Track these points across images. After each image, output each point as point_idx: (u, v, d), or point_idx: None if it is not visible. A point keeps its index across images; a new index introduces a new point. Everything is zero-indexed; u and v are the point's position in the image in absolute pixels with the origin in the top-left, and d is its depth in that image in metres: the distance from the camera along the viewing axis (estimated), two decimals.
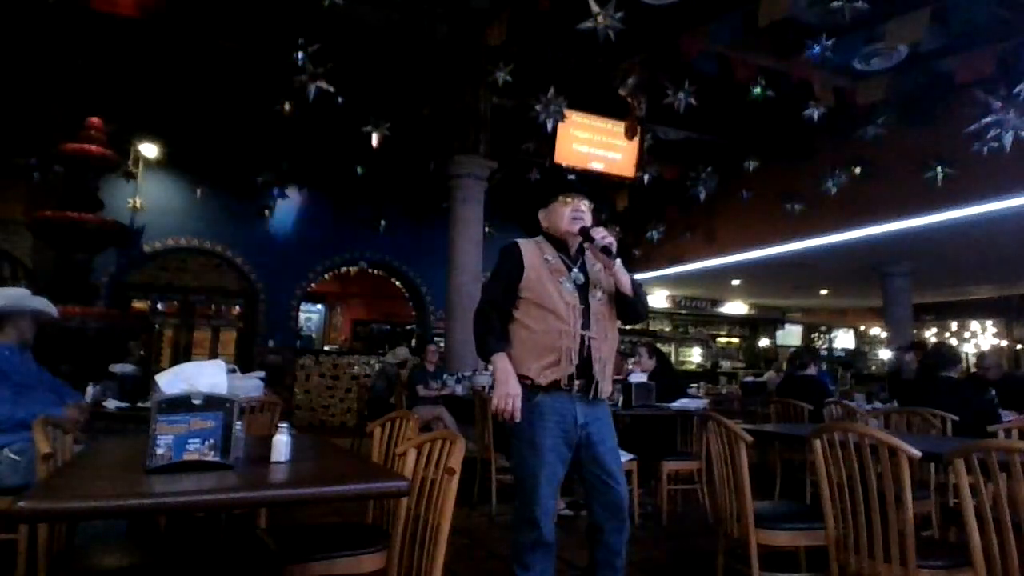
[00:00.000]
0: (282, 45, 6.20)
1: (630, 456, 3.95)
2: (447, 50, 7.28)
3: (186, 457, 1.57)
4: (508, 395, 2.25)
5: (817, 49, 5.86)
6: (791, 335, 18.74)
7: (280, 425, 1.81)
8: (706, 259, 11.57)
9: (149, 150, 9.32)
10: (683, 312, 16.74)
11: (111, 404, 3.83)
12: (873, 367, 17.58)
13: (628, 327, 2.47)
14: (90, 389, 3.69)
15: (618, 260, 2.36)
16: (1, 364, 2.87)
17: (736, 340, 18.68)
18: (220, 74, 7.28)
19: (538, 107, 6.95)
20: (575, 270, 2.40)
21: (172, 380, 1.73)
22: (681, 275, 12.76)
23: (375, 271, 11.89)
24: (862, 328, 19.74)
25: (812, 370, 5.69)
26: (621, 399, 4.69)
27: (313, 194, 10.27)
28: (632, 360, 6.02)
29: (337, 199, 10.43)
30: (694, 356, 17.50)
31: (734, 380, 13.78)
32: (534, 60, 7.05)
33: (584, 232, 2.36)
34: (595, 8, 5.22)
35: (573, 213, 2.41)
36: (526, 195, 9.13)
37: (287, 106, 6.86)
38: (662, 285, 14.45)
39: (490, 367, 2.44)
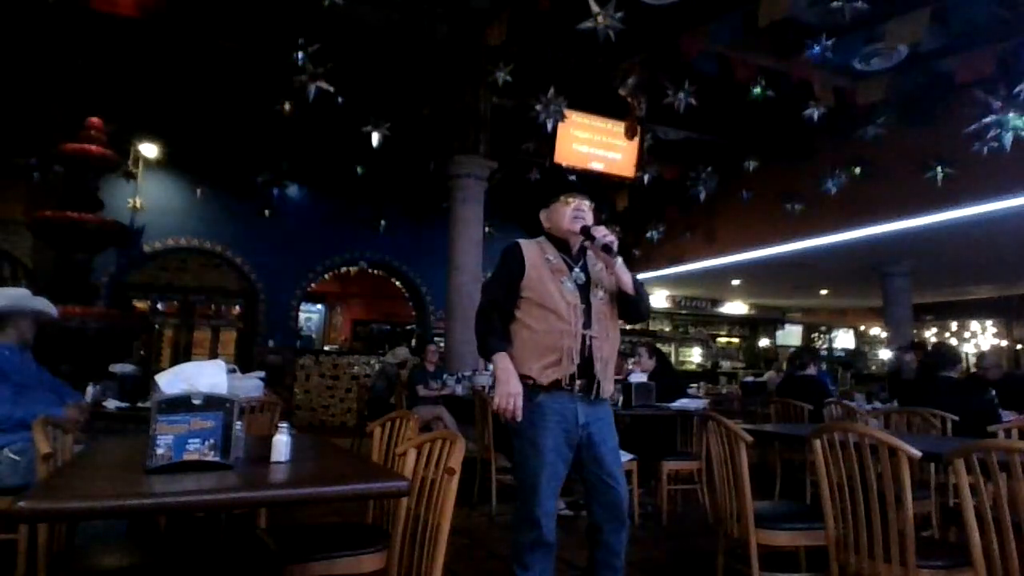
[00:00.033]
0: (282, 45, 6.20)
1: (630, 456, 3.96)
2: (447, 50, 7.28)
3: (186, 457, 1.57)
4: (509, 394, 2.26)
5: (817, 49, 5.86)
6: (791, 335, 18.74)
7: (280, 425, 1.81)
8: (706, 259, 11.56)
9: (149, 150, 9.33)
10: (683, 312, 16.74)
11: (111, 404, 3.83)
12: (873, 367, 17.58)
13: (628, 327, 2.48)
14: (90, 389, 3.69)
15: (619, 259, 2.36)
16: (1, 364, 2.87)
17: (736, 340, 18.69)
18: (220, 74, 7.28)
19: (538, 107, 6.95)
20: (576, 270, 2.41)
21: (172, 380, 1.73)
22: (681, 275, 12.76)
23: (375, 271, 11.89)
24: (862, 328, 19.75)
25: (812, 370, 5.69)
26: (621, 399, 4.69)
27: (313, 194, 10.27)
28: (632, 360, 6.02)
29: (337, 199, 10.44)
30: (694, 356, 17.50)
31: (734, 380, 13.79)
32: (534, 60, 7.05)
33: (585, 231, 2.36)
34: (595, 8, 5.22)
35: (574, 212, 2.42)
36: (526, 195, 9.18)
37: (287, 106, 6.86)
38: (662, 285, 14.45)
39: (491, 366, 2.44)
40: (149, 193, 9.62)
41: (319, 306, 14.84)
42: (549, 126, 7.21)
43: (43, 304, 3.20)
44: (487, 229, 8.57)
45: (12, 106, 7.66)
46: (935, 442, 2.98)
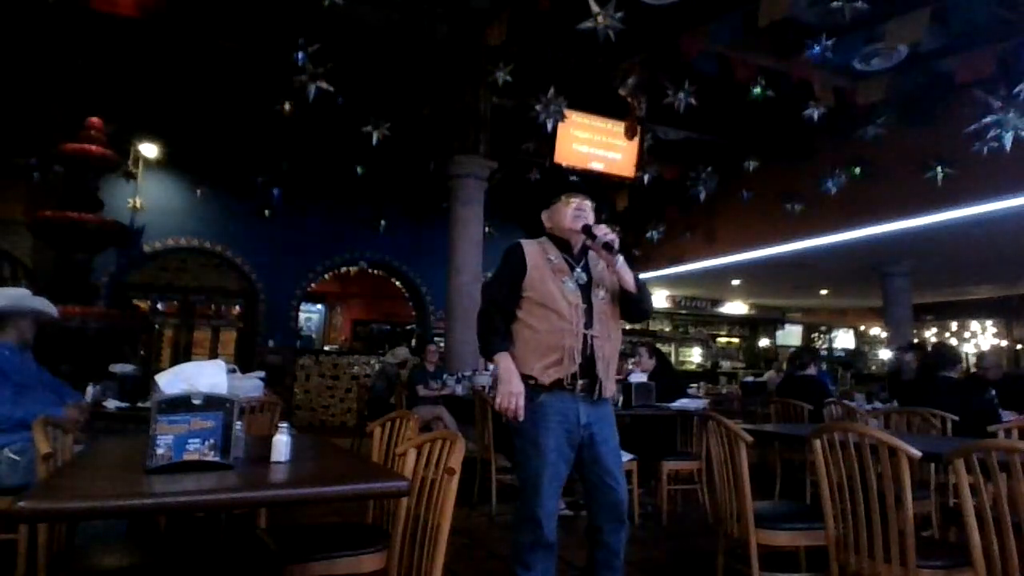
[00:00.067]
0: (282, 45, 6.20)
1: (630, 456, 3.95)
2: (447, 50, 7.27)
3: (186, 457, 1.57)
4: (511, 394, 2.26)
5: (817, 49, 5.86)
6: (791, 335, 18.74)
7: (280, 425, 1.81)
8: (706, 259, 11.56)
9: (149, 150, 9.33)
10: (683, 312, 16.74)
11: (111, 404, 3.83)
12: (873, 367, 17.59)
13: (628, 327, 2.47)
14: (90, 389, 3.69)
15: (621, 257, 2.37)
16: (1, 364, 2.87)
17: (736, 340, 18.69)
18: (220, 74, 7.28)
19: (538, 107, 6.95)
20: (578, 269, 2.42)
21: (172, 380, 1.73)
22: (681, 275, 12.76)
23: (375, 271, 11.89)
24: (862, 328, 19.75)
25: (812, 370, 5.69)
26: (621, 399, 4.69)
27: (313, 194, 10.27)
28: (632, 360, 6.02)
29: (337, 199, 10.43)
30: (694, 356, 17.50)
31: (734, 380, 13.79)
32: (534, 60, 7.05)
33: (586, 229, 2.37)
34: (595, 8, 5.21)
35: (576, 212, 2.43)
36: (526, 195, 9.19)
37: (287, 106, 6.86)
38: (662, 285, 14.45)
39: (493, 366, 2.45)
40: (149, 193, 9.62)
41: (319, 306, 14.84)
42: (549, 126, 7.21)
43: (43, 304, 3.20)
44: (487, 229, 8.57)
45: (12, 106, 7.65)
46: (935, 442, 2.98)
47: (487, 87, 7.55)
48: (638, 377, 5.03)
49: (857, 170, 8.21)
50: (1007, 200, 7.36)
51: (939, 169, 7.20)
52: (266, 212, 10.08)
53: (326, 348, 12.68)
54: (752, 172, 8.75)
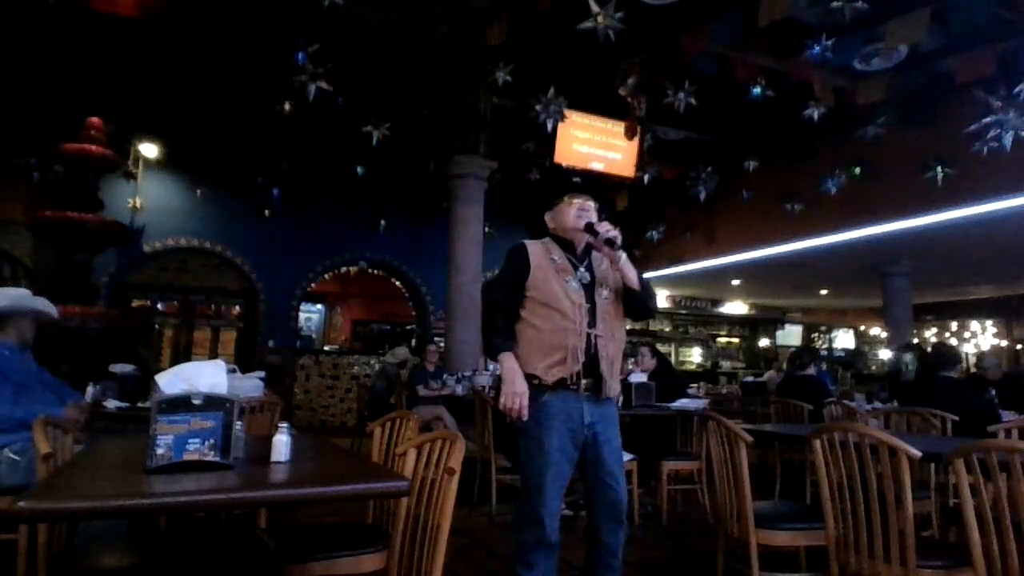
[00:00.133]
0: (282, 45, 6.20)
1: (630, 456, 3.95)
2: (447, 50, 7.27)
3: (186, 457, 1.57)
4: (515, 394, 2.27)
5: (817, 49, 5.86)
6: (791, 335, 18.74)
7: (280, 425, 1.81)
8: (706, 259, 11.56)
9: (149, 150, 9.32)
10: (683, 312, 16.74)
11: (111, 404, 3.83)
12: (873, 367, 17.57)
13: (628, 327, 2.46)
14: (90, 389, 3.69)
15: (624, 255, 2.38)
16: (1, 364, 2.87)
17: (736, 340, 18.68)
18: (220, 74, 7.28)
19: (538, 107, 6.95)
20: (581, 269, 2.43)
21: (172, 380, 1.73)
22: (681, 275, 12.76)
23: (375, 271, 11.89)
24: (862, 328, 19.74)
25: (812, 370, 5.69)
26: (621, 399, 4.69)
27: (313, 194, 10.27)
28: (632, 360, 6.02)
29: (337, 199, 10.43)
30: (694, 356, 17.50)
31: (734, 380, 13.79)
32: (534, 60, 7.04)
33: (589, 227, 2.38)
34: (595, 8, 5.21)
35: (579, 212, 2.44)
36: (526, 195, 9.19)
37: (287, 106, 6.85)
38: (662, 285, 14.45)
39: (495, 366, 2.46)
40: (149, 193, 9.62)
41: (319, 306, 14.84)
42: (549, 126, 7.21)
43: (43, 304, 3.20)
44: (487, 229, 8.57)
45: (12, 106, 7.65)
46: (935, 442, 2.98)
47: (487, 87, 7.55)
48: (638, 377, 5.03)
49: (857, 170, 8.21)
50: (1007, 200, 7.36)
51: (939, 169, 7.19)
52: (266, 212, 10.07)
53: (326, 348, 12.69)
54: (752, 172, 8.75)
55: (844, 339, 20.06)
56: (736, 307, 17.26)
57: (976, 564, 1.85)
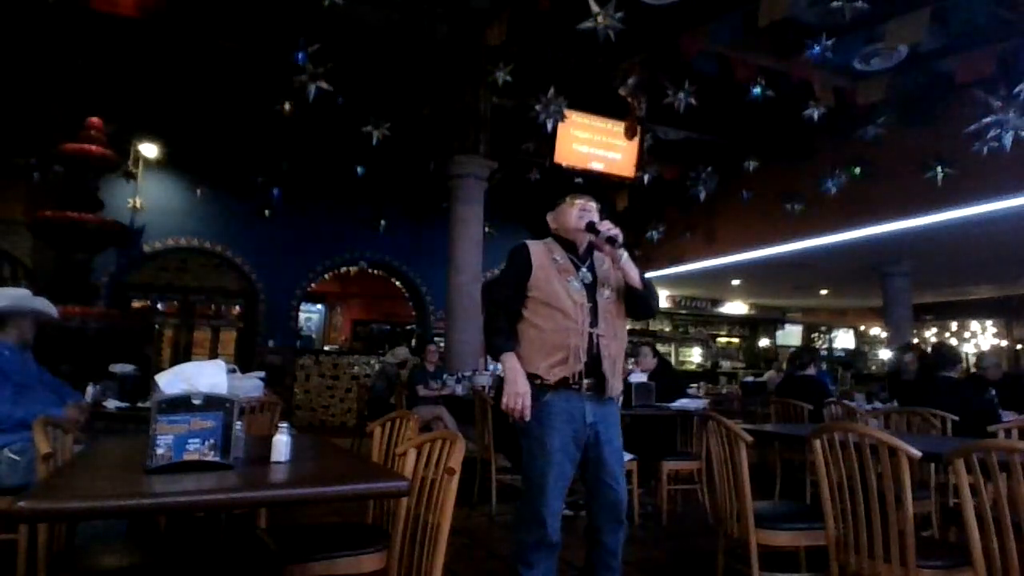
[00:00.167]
0: (282, 45, 6.20)
1: (630, 456, 3.95)
2: (447, 50, 7.27)
3: (186, 457, 1.57)
4: (517, 394, 2.27)
5: (817, 49, 5.86)
6: (791, 335, 18.74)
7: (280, 425, 1.81)
8: (706, 259, 11.56)
9: (149, 150, 9.32)
10: (683, 312, 16.74)
11: (111, 404, 3.82)
12: (873, 367, 17.58)
13: (628, 327, 2.47)
14: (90, 389, 3.69)
15: (625, 254, 2.39)
16: (1, 364, 2.87)
17: (736, 340, 18.68)
18: (220, 74, 7.28)
19: (538, 107, 6.95)
20: (583, 269, 2.43)
21: (172, 380, 1.73)
22: (681, 275, 12.77)
23: (375, 271, 11.89)
24: (862, 328, 19.74)
25: (812, 370, 5.69)
26: (621, 399, 4.69)
27: (313, 194, 10.27)
28: (632, 360, 6.03)
29: (337, 199, 10.43)
30: (694, 356, 17.50)
31: (734, 380, 13.79)
32: (534, 60, 7.05)
33: (590, 226, 2.39)
34: (595, 8, 5.21)
35: (580, 212, 2.45)
36: (526, 195, 9.19)
37: (287, 106, 6.86)
38: (662, 285, 14.45)
39: (497, 366, 2.47)
40: (149, 193, 9.62)
41: (319, 306, 14.84)
42: (549, 126, 7.21)
43: (43, 304, 3.20)
44: (487, 229, 8.57)
45: (12, 106, 7.65)
46: (935, 442, 2.98)
47: (487, 87, 7.55)
48: (638, 377, 5.03)
49: (857, 170, 8.21)
50: (1007, 200, 7.36)
51: (939, 169, 7.19)
52: (266, 212, 10.08)
53: (326, 348, 12.68)
54: (752, 172, 8.76)
55: (844, 339, 20.06)
56: (736, 307, 17.26)
57: (976, 564, 1.85)
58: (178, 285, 10.90)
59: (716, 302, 16.90)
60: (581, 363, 2.30)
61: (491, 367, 8.00)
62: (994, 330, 16.60)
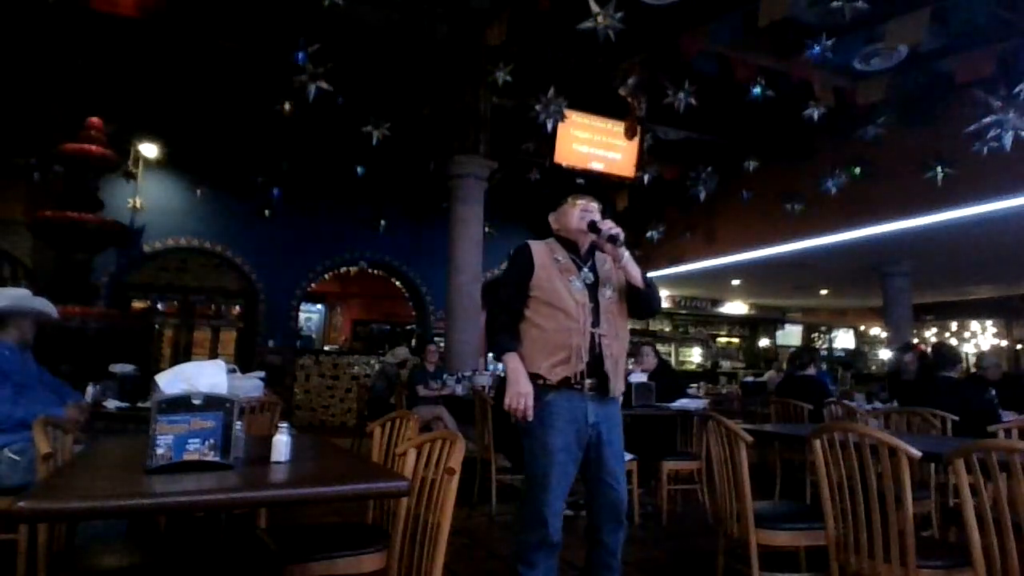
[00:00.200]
0: (282, 45, 6.20)
1: (630, 456, 3.95)
2: (447, 50, 7.28)
3: (186, 457, 1.57)
4: (519, 394, 2.27)
5: (817, 49, 5.86)
6: (791, 335, 18.74)
7: (280, 425, 1.81)
8: (706, 259, 11.56)
9: (149, 150, 9.32)
10: (683, 312, 16.74)
11: (111, 404, 3.82)
12: (873, 367, 17.58)
13: (629, 326, 2.48)
14: (90, 389, 3.69)
15: (627, 253, 2.39)
16: (1, 364, 2.87)
17: (736, 340, 18.68)
18: (220, 74, 7.28)
19: (538, 107, 6.95)
20: (585, 269, 2.44)
21: (172, 380, 1.73)
22: (681, 275, 12.77)
23: (375, 271, 11.88)
24: (862, 328, 19.74)
25: (812, 370, 5.69)
26: (622, 399, 4.69)
27: (313, 194, 10.27)
28: (632, 360, 6.03)
29: (337, 199, 10.43)
30: (694, 356, 17.50)
31: (734, 380, 13.78)
32: (534, 60, 7.05)
33: (592, 225, 2.39)
34: (595, 8, 5.21)
35: (582, 213, 2.45)
36: (526, 195, 9.19)
37: (287, 106, 6.86)
38: (662, 285, 14.45)
39: (499, 366, 2.47)
40: (149, 193, 9.62)
41: (319, 306, 14.84)
42: (549, 126, 7.21)
43: (43, 304, 3.20)
44: (487, 229, 8.57)
45: (12, 106, 7.66)
46: (935, 442, 2.98)
47: (487, 87, 7.55)
48: (638, 377, 5.03)
49: (857, 170, 8.21)
50: (1007, 200, 7.36)
51: (939, 169, 7.19)
52: (266, 212, 10.08)
53: (326, 348, 12.68)
54: (752, 172, 8.76)
55: (844, 339, 20.07)
56: (736, 307, 17.26)
57: (976, 564, 1.85)
58: (178, 285, 10.90)
59: (716, 302, 16.90)
60: (583, 363, 2.30)
61: (491, 367, 7.99)
62: (994, 330, 16.60)
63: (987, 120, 6.15)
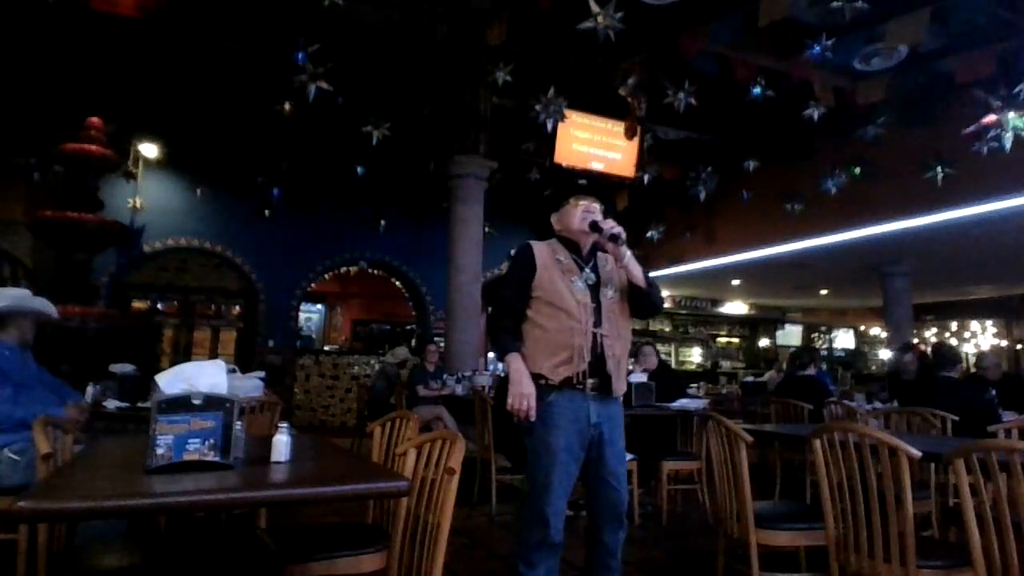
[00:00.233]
0: (282, 45, 6.20)
1: (630, 456, 3.95)
2: (447, 50, 7.28)
3: (186, 457, 1.57)
4: (522, 394, 2.27)
5: (817, 49, 5.86)
6: (791, 335, 18.74)
7: (280, 425, 1.81)
8: (706, 259, 11.57)
9: (149, 150, 9.32)
10: (683, 312, 16.74)
11: (111, 404, 3.82)
12: (873, 367, 17.59)
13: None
14: (90, 389, 3.69)
15: (629, 252, 2.39)
16: (1, 364, 2.87)
17: (736, 340, 18.69)
18: (220, 74, 7.28)
19: (538, 107, 6.95)
20: (587, 270, 2.44)
21: (172, 380, 1.73)
22: (681, 275, 12.77)
23: (375, 271, 11.89)
24: (862, 328, 19.75)
25: (812, 370, 5.69)
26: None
27: (313, 194, 10.27)
28: (632, 360, 6.03)
29: (337, 199, 10.43)
30: (694, 356, 17.50)
31: (734, 380, 13.79)
32: (534, 60, 7.05)
33: (594, 225, 2.40)
34: (595, 8, 5.21)
35: (584, 214, 2.45)
36: (526, 195, 9.19)
37: (287, 106, 6.86)
38: (662, 285, 14.30)
39: (493, 367, 2.47)
40: (149, 193, 9.62)
41: (319, 306, 14.84)
42: (549, 126, 7.21)
43: (43, 304, 3.20)
44: (487, 229, 8.57)
45: (12, 106, 7.66)
46: (935, 442, 2.98)
47: (487, 87, 7.55)
48: (638, 377, 5.03)
49: (857, 170, 8.22)
50: (1007, 200, 7.36)
51: (939, 169, 7.20)
52: (266, 212, 10.08)
53: (326, 348, 12.68)
54: (752, 172, 8.76)
55: (844, 339, 20.07)
56: (736, 307, 17.26)
57: (976, 564, 1.85)
58: (178, 285, 10.90)
59: (716, 302, 16.90)
60: (585, 363, 2.30)
61: (491, 367, 7.99)
62: (994, 330, 16.59)
63: (987, 120, 6.15)
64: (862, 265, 10.60)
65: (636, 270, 2.42)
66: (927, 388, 4.25)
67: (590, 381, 2.31)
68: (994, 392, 4.70)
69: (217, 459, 1.59)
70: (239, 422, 1.68)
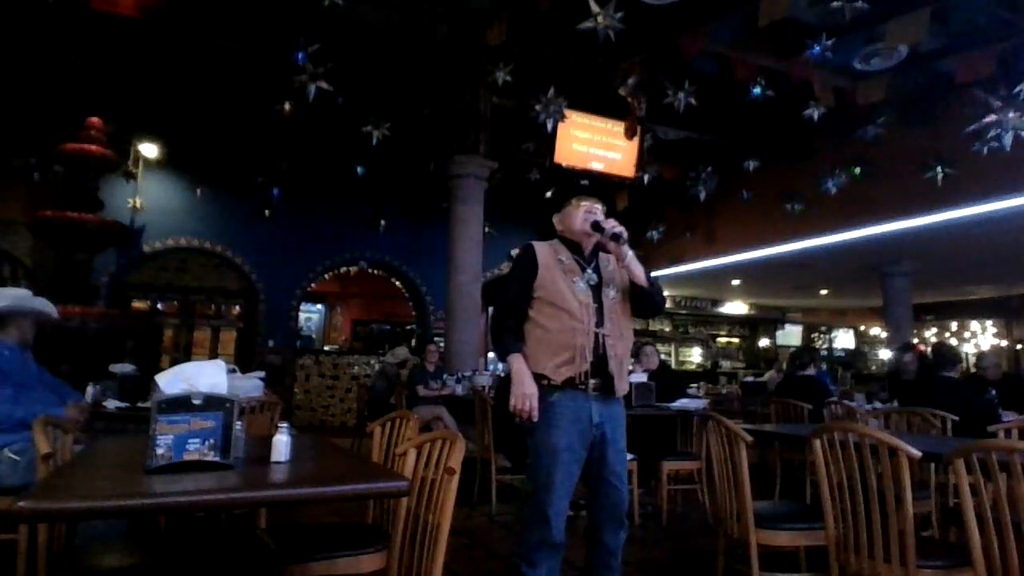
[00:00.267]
0: (282, 45, 6.20)
1: (630, 456, 3.95)
2: (447, 50, 7.28)
3: (186, 457, 1.57)
4: (524, 395, 2.28)
5: (817, 49, 5.86)
6: (791, 335, 18.74)
7: (280, 425, 1.81)
8: (706, 259, 11.56)
9: (149, 150, 9.32)
10: (683, 312, 16.74)
11: (111, 404, 3.83)
12: (873, 367, 17.58)
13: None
14: (90, 389, 3.69)
15: (630, 252, 2.39)
16: (2, 364, 2.88)
17: (736, 340, 18.68)
18: (220, 74, 7.28)
19: (538, 107, 6.95)
20: (589, 270, 2.44)
21: (172, 380, 1.73)
22: (681, 275, 12.77)
23: (375, 271, 11.89)
24: (862, 328, 19.74)
25: (812, 370, 5.69)
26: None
27: (313, 194, 10.27)
28: (633, 360, 6.03)
29: (337, 199, 10.43)
30: (694, 356, 17.50)
31: (734, 380, 13.78)
32: (534, 60, 7.05)
33: (596, 225, 2.40)
34: (595, 8, 5.21)
35: (585, 214, 2.46)
36: (526, 195, 9.18)
37: (287, 106, 6.86)
38: (662, 285, 14.42)
39: (493, 367, 2.47)
40: (149, 193, 9.62)
41: (319, 306, 14.84)
42: (549, 126, 7.21)
43: (43, 304, 3.20)
44: (487, 229, 8.57)
45: (12, 106, 7.66)
46: (935, 442, 2.98)
47: (487, 87, 7.55)
48: (638, 377, 5.03)
49: (857, 170, 8.21)
50: (1007, 200, 7.37)
51: (939, 169, 7.19)
52: (266, 212, 10.07)
53: (326, 348, 12.68)
54: (752, 172, 8.75)
55: (844, 339, 20.06)
56: (736, 307, 17.26)
57: (976, 564, 1.85)
58: (178, 285, 10.90)
59: (716, 302, 16.89)
60: (587, 363, 2.31)
61: (491, 367, 7.99)
62: (994, 330, 16.59)
63: (987, 120, 6.15)
64: (862, 265, 10.60)
65: (638, 270, 2.42)
66: (927, 388, 4.25)
67: (592, 381, 2.31)
68: (994, 392, 4.71)
69: (217, 459, 1.59)
70: (239, 422, 1.68)
